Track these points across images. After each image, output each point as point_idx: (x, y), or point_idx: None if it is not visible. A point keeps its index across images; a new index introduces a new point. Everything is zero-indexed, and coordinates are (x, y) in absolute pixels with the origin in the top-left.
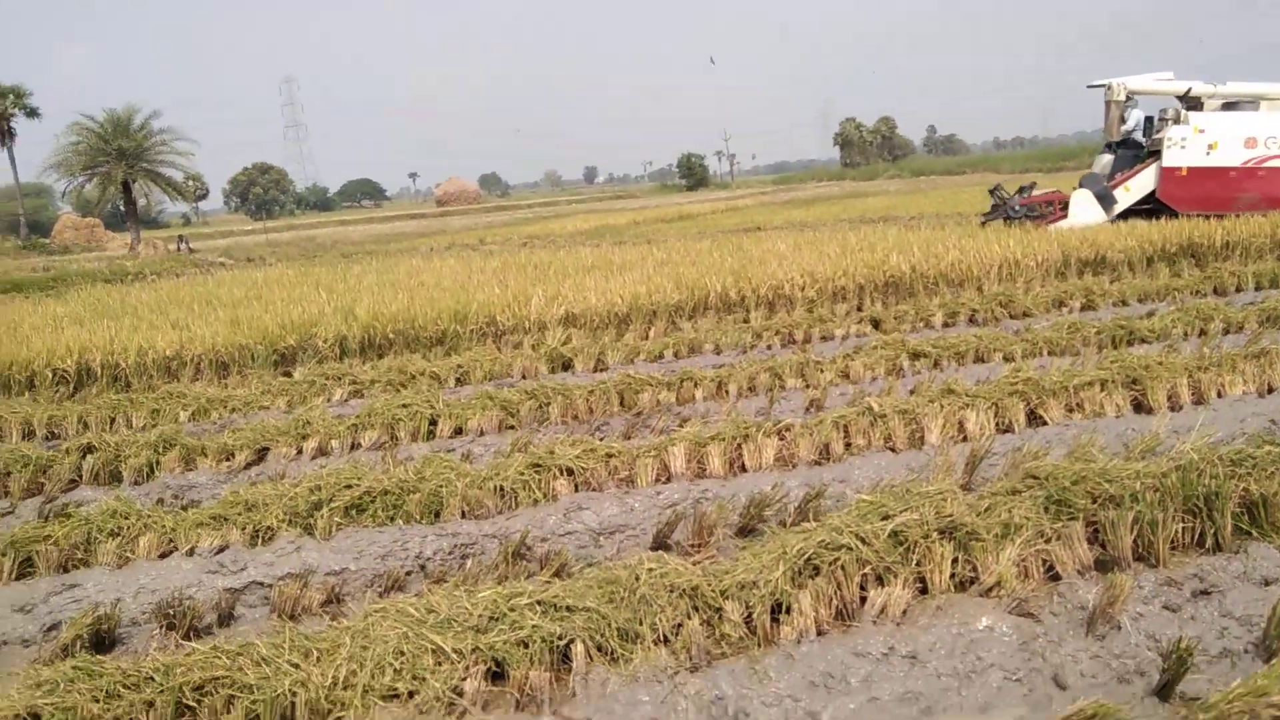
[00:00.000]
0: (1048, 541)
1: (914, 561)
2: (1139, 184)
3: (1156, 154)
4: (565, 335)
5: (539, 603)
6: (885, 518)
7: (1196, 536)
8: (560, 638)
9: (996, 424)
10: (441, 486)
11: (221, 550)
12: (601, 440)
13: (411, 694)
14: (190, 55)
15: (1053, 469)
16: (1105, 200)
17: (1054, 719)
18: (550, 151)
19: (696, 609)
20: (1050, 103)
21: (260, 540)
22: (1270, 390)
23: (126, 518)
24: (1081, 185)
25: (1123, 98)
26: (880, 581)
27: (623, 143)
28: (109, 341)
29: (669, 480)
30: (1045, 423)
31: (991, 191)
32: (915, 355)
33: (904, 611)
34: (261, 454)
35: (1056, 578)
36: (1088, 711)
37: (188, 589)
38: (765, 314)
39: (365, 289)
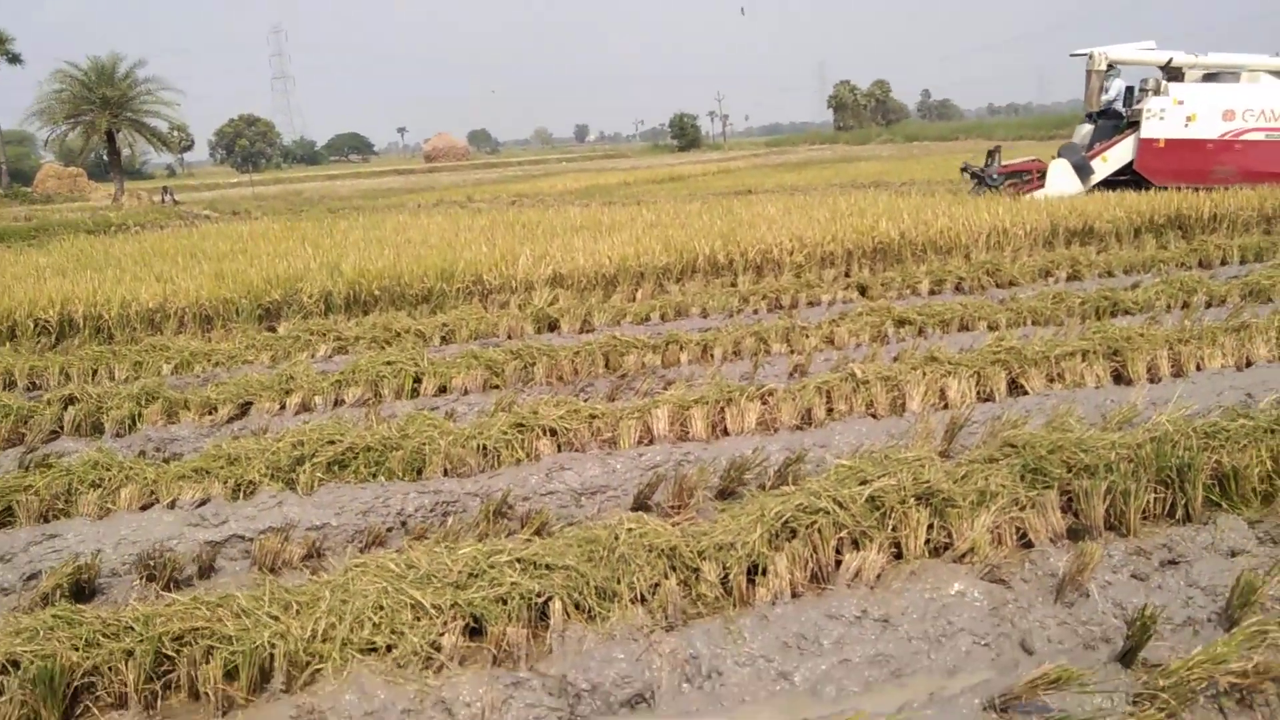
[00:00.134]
0: (1022, 509)
1: (890, 526)
2: (1117, 154)
3: (1136, 125)
4: (552, 296)
5: (518, 560)
6: (863, 483)
7: (1168, 507)
8: (539, 595)
9: (978, 392)
10: (424, 444)
11: (203, 503)
12: (586, 401)
13: (390, 648)
14: (177, 3)
15: (1030, 438)
16: (1082, 170)
17: (1019, 682)
18: (541, 109)
19: (674, 569)
20: (1046, 70)
21: (242, 494)
22: (1248, 364)
23: (108, 469)
24: (1060, 155)
25: (1104, 67)
26: (856, 545)
27: (614, 101)
28: (92, 293)
29: (652, 442)
30: (1026, 392)
31: (962, 170)
32: (900, 322)
33: (878, 575)
34: (244, 408)
35: (1029, 545)
36: (1051, 675)
37: (168, 541)
38: (753, 278)
39: (351, 245)
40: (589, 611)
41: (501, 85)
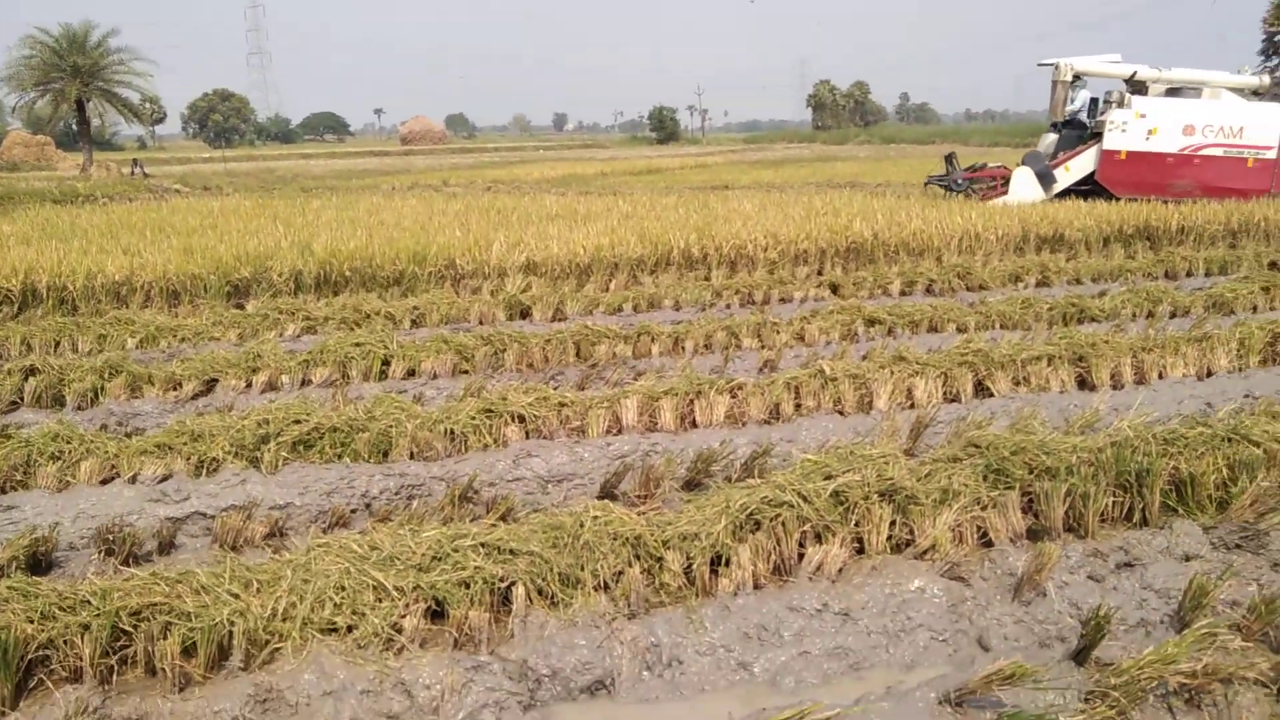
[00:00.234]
0: (984, 509)
1: (853, 522)
2: (1079, 165)
3: (1099, 136)
4: (525, 283)
5: (483, 545)
6: (828, 478)
7: (1125, 511)
8: (502, 580)
9: (944, 393)
10: (391, 427)
11: (165, 479)
12: (555, 389)
13: (350, 628)
14: None
15: (994, 439)
16: (1045, 179)
17: (974, 678)
18: (520, 96)
19: (638, 557)
20: (1023, 77)
21: (205, 471)
22: (1209, 374)
23: (68, 441)
24: (1024, 163)
25: (1069, 78)
26: (819, 539)
27: (594, 92)
28: (56, 263)
29: (620, 432)
30: (992, 394)
31: (927, 184)
32: (871, 321)
33: (840, 570)
34: (210, 385)
35: (990, 544)
36: (1006, 671)
37: (128, 516)
38: (727, 273)
39: (324, 225)
40: (552, 597)
41: (481, 71)
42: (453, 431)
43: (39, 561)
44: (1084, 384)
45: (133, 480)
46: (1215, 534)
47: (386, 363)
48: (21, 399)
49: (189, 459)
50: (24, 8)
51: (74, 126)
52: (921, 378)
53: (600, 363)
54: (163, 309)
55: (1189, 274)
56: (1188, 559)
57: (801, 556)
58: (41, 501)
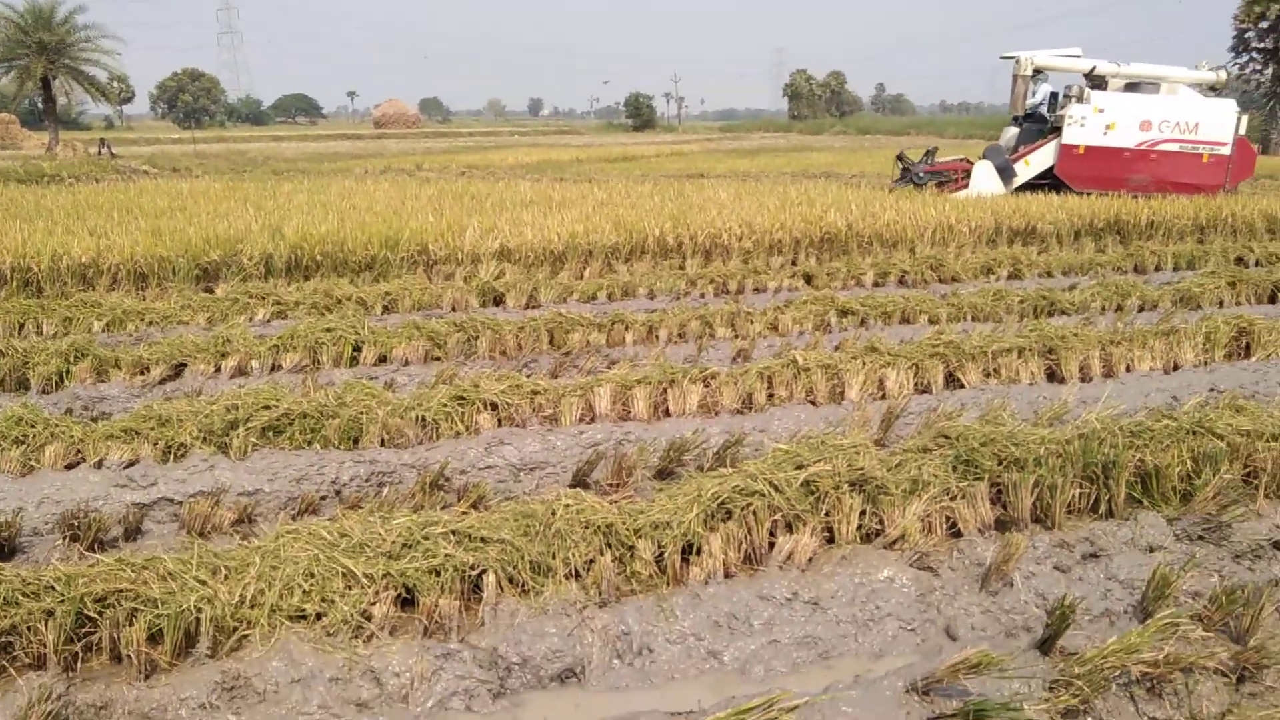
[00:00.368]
0: (953, 499)
1: (824, 511)
2: (1039, 159)
3: (1058, 130)
4: (499, 269)
5: (453, 532)
6: (799, 467)
7: (1092, 502)
8: (472, 568)
9: (915, 384)
10: (362, 413)
11: (131, 464)
12: (529, 377)
13: (319, 615)
14: None
15: (963, 430)
16: (1005, 173)
17: (941, 666)
18: (495, 80)
19: (610, 546)
20: (997, 70)
21: (172, 456)
22: (1176, 368)
23: (32, 425)
24: (984, 156)
25: (1029, 72)
26: (790, 529)
27: (570, 77)
28: (21, 244)
29: (593, 420)
30: (962, 385)
31: (898, 158)
32: (844, 312)
33: (810, 559)
34: (178, 370)
35: (958, 534)
36: (972, 660)
37: (94, 501)
38: (701, 262)
39: (295, 208)
40: (523, 585)
41: (456, 54)
42: (424, 419)
43: (1, 547)
44: (1053, 376)
45: (99, 465)
46: (1179, 526)
47: (358, 348)
48: None
49: (156, 444)
50: None
51: (39, 105)
52: (893, 369)
53: (574, 351)
54: (130, 292)
55: (1158, 268)
56: (1152, 550)
57: (772, 546)
58: (4, 486)
